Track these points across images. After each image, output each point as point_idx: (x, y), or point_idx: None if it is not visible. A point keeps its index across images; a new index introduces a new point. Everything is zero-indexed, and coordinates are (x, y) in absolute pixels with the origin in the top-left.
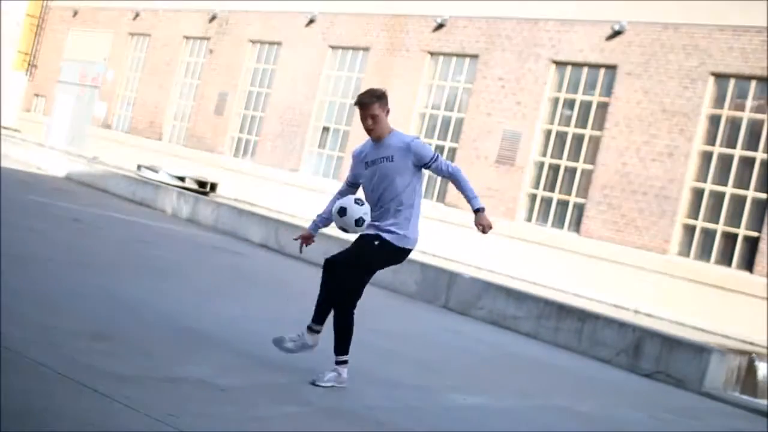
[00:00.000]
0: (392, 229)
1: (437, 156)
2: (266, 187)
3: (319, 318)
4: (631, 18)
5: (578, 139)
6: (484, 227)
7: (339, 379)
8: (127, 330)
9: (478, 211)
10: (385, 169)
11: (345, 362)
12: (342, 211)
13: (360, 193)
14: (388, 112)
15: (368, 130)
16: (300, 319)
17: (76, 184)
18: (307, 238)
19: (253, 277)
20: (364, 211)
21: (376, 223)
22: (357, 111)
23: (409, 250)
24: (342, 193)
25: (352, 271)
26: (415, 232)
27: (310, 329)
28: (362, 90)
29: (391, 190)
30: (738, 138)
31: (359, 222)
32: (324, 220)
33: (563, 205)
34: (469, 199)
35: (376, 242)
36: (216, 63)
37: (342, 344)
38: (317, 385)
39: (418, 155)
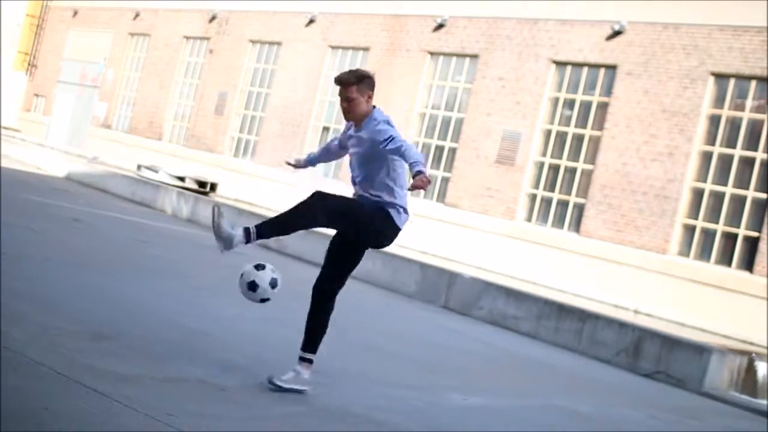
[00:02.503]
0: (388, 200)
1: (391, 138)
2: (266, 187)
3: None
4: (631, 18)
5: (578, 139)
6: (423, 183)
7: (298, 378)
8: (127, 330)
9: (418, 172)
10: (361, 156)
11: (310, 361)
12: (252, 286)
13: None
14: (369, 97)
15: (344, 113)
16: (298, 319)
17: (76, 184)
18: (297, 165)
19: None
20: (271, 276)
21: (370, 192)
22: None
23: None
24: (329, 148)
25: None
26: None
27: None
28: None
29: (371, 173)
30: (738, 138)
31: (273, 284)
32: (315, 160)
33: (563, 205)
34: (412, 165)
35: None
36: (216, 63)
37: (314, 341)
38: (273, 384)
39: (378, 141)
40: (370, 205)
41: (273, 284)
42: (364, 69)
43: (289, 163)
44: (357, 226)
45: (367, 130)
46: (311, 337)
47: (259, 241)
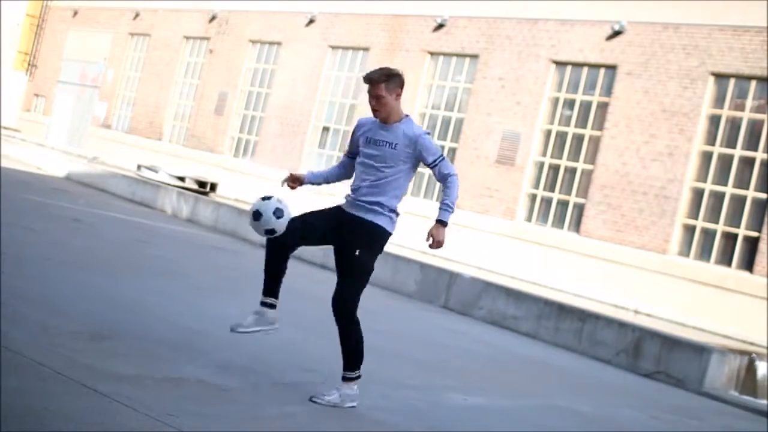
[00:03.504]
0: (384, 204)
1: (442, 158)
2: (266, 187)
3: (272, 290)
4: (631, 18)
5: (578, 139)
6: (433, 240)
7: (345, 396)
8: (127, 330)
9: (438, 222)
10: (384, 154)
11: (352, 378)
12: (256, 215)
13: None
14: (397, 96)
15: (373, 111)
16: (298, 320)
17: (76, 184)
18: (295, 180)
19: (253, 277)
20: (275, 206)
21: (367, 199)
22: (357, 111)
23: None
24: (343, 165)
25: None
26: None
27: (267, 305)
28: (363, 90)
29: (384, 176)
30: (738, 138)
31: (277, 212)
32: (320, 177)
33: (563, 205)
34: (442, 206)
35: (377, 234)
36: (216, 63)
37: (352, 359)
38: (316, 402)
39: (423, 152)
40: (362, 237)
41: (278, 215)
42: (393, 68)
43: (288, 182)
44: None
45: (401, 130)
46: (347, 356)
47: (259, 242)
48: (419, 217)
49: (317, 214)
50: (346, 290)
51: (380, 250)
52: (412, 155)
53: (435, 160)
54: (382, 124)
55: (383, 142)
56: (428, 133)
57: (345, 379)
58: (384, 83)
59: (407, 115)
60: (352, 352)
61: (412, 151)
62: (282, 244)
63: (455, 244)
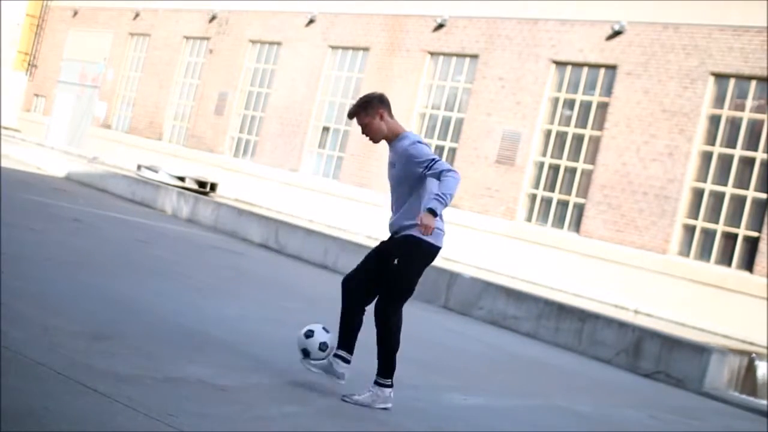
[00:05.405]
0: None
1: (434, 160)
2: (266, 187)
3: (347, 343)
4: (631, 18)
5: (578, 139)
6: (421, 224)
7: (377, 398)
8: (127, 330)
9: (428, 210)
10: (393, 175)
11: (387, 385)
12: (309, 333)
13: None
14: (382, 116)
15: (369, 139)
16: (297, 319)
17: (76, 184)
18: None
19: (252, 277)
20: (330, 337)
21: (401, 223)
22: None
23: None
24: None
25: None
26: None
27: (339, 357)
28: (362, 91)
29: (404, 198)
30: (738, 138)
31: (322, 347)
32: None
33: (563, 205)
34: (434, 196)
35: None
36: (216, 63)
37: (383, 365)
38: (346, 401)
39: (411, 164)
40: (399, 247)
41: (322, 348)
42: (371, 93)
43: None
44: (397, 274)
45: (397, 149)
46: (381, 361)
47: (259, 242)
48: None
49: (368, 255)
50: (382, 299)
51: (422, 261)
52: (409, 169)
53: (427, 164)
54: (390, 146)
55: (390, 164)
56: (419, 142)
57: (377, 383)
58: (363, 111)
59: (406, 131)
60: (383, 359)
61: (406, 164)
62: (355, 289)
63: (455, 244)
